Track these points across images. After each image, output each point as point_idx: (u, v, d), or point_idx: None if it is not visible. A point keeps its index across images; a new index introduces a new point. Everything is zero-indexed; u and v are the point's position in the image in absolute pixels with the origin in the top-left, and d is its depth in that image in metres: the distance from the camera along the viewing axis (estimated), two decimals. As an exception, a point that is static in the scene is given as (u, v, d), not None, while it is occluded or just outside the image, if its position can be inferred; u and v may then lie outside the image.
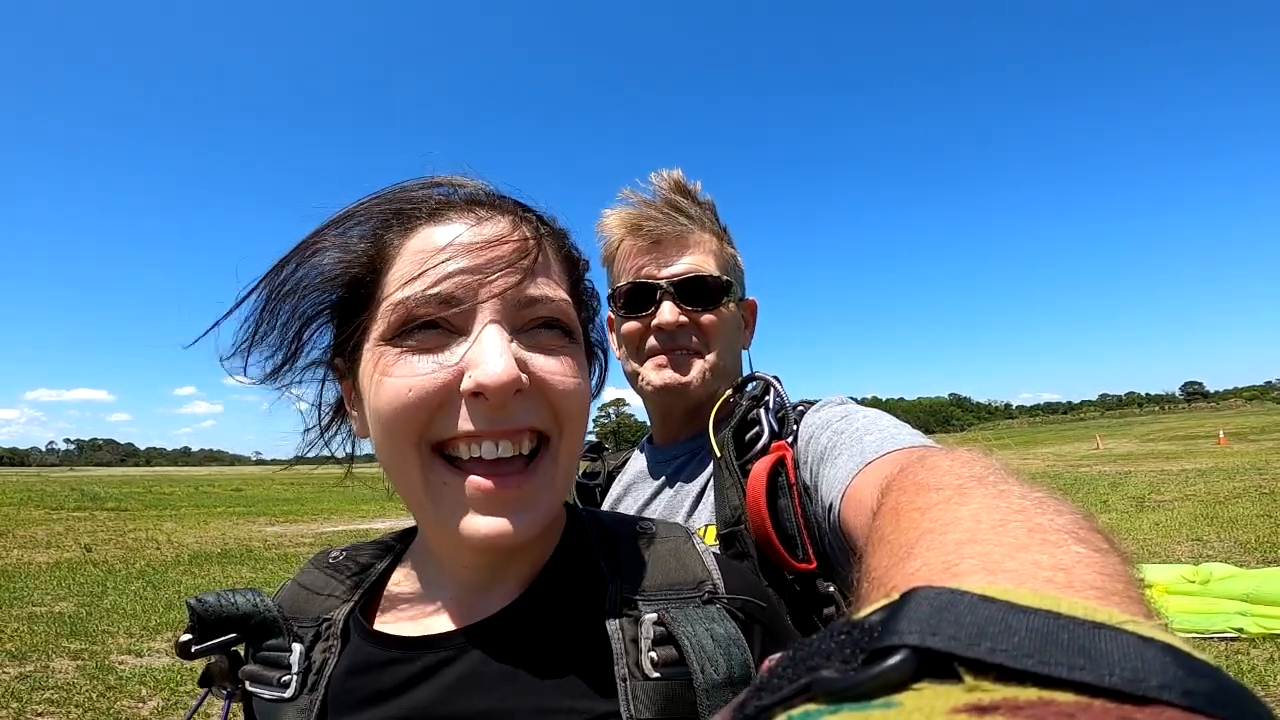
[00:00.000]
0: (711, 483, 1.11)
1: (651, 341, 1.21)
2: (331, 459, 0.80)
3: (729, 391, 1.20)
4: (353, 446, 0.80)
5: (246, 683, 0.70)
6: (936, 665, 0.21)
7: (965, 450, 0.54)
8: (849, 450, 0.90)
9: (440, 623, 0.69)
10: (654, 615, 0.65)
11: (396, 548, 0.80)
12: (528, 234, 0.66)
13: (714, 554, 0.74)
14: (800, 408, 1.11)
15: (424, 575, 0.73)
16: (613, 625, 0.66)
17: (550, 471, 0.65)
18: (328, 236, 0.68)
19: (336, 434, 0.80)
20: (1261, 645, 5.15)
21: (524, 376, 0.61)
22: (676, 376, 1.19)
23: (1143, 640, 0.21)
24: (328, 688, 0.66)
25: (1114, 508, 12.63)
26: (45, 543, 13.83)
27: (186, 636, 0.70)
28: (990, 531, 0.34)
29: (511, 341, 0.62)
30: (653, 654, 0.63)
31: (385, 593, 0.75)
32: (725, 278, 1.20)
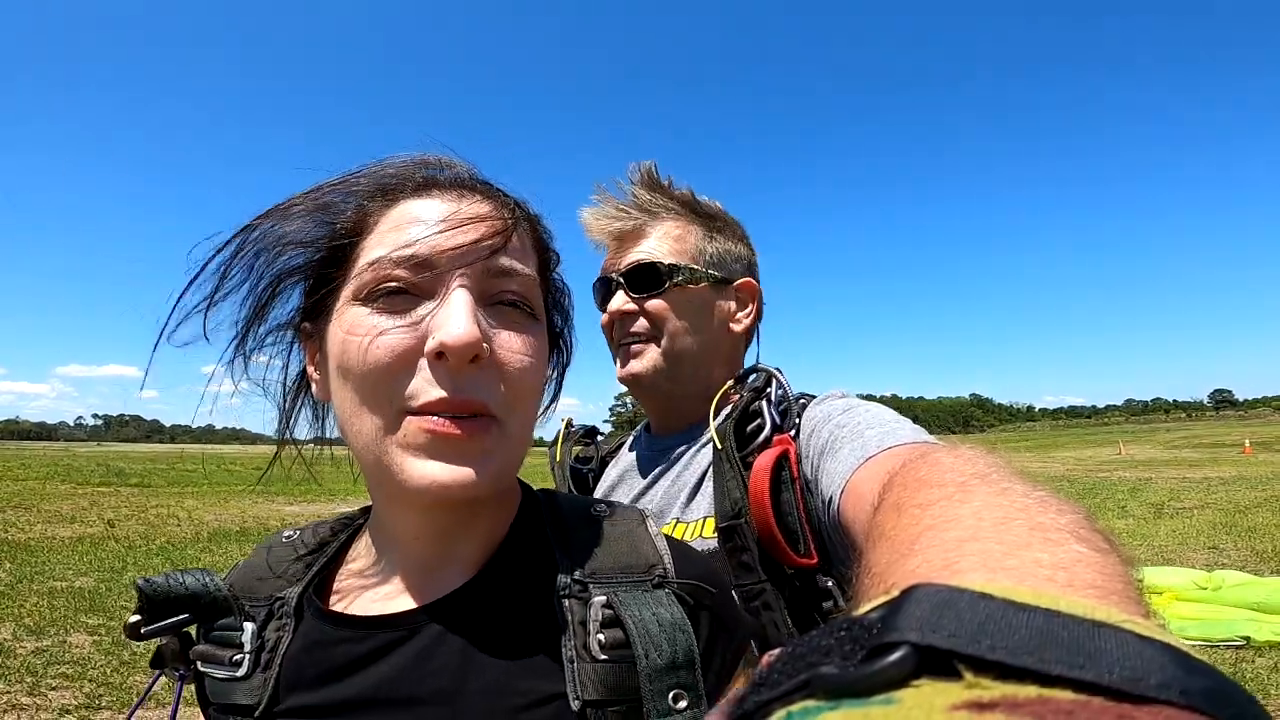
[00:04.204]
0: (710, 474, 1.10)
1: (615, 333, 1.25)
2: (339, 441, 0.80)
3: (730, 382, 1.19)
4: (322, 427, 0.81)
5: (198, 663, 0.70)
6: (936, 662, 0.21)
7: (968, 448, 0.53)
8: (850, 444, 0.89)
9: (394, 602, 0.69)
10: (603, 598, 0.66)
11: (352, 524, 0.81)
12: (505, 214, 0.68)
13: (666, 538, 0.75)
14: (802, 400, 1.10)
15: (378, 553, 0.74)
16: (563, 606, 0.66)
17: (502, 435, 0.66)
18: (311, 199, 0.70)
19: (302, 409, 0.81)
20: (1266, 654, 5.09)
21: (485, 345, 0.62)
22: (629, 369, 1.22)
23: (1141, 639, 0.21)
24: (281, 666, 0.67)
25: (1132, 514, 12.47)
26: (70, 517, 14.11)
27: (135, 618, 0.70)
28: (992, 529, 0.34)
29: (478, 311, 0.64)
30: (600, 636, 0.64)
31: (340, 571, 0.75)
32: (673, 262, 1.19)
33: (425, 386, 0.61)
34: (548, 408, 1.07)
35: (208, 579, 0.71)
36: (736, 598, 0.97)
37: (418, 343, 0.62)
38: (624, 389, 1.28)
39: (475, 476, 0.62)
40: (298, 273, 0.72)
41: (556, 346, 0.82)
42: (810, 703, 0.21)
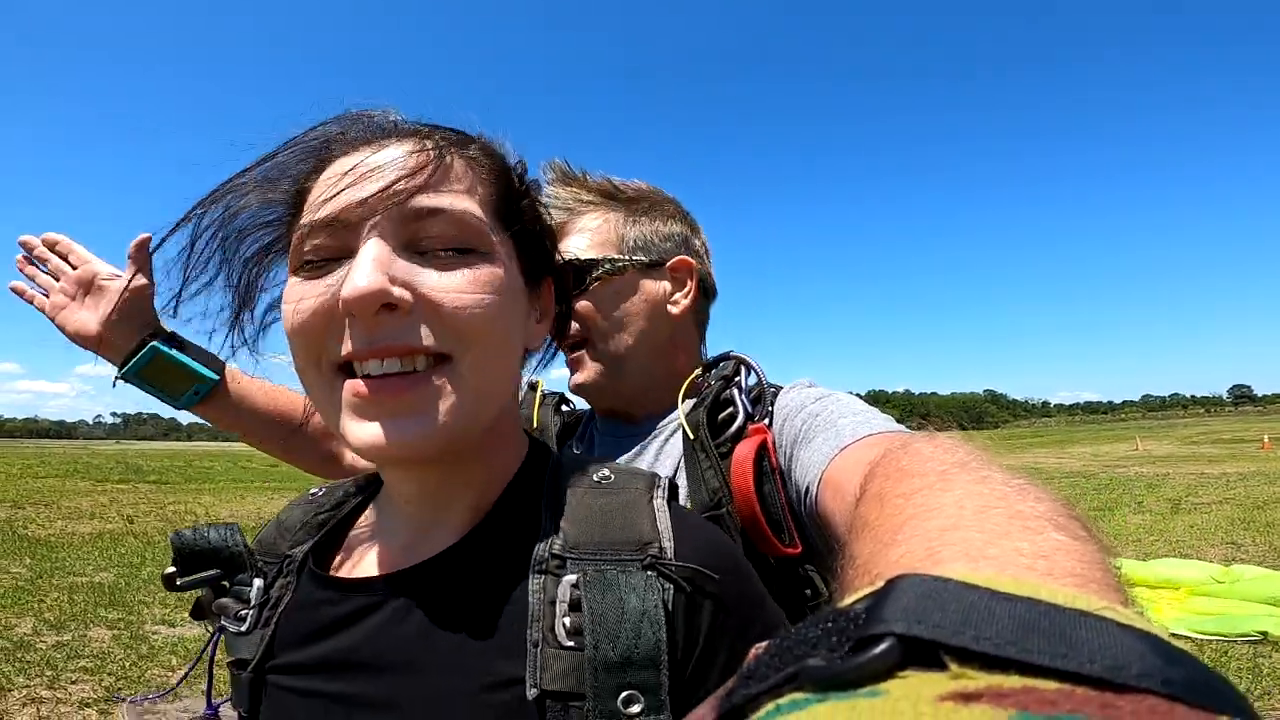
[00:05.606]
0: (682, 465, 1.07)
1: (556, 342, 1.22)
2: None
3: (698, 370, 1.16)
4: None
5: (221, 617, 0.71)
6: (922, 653, 0.21)
7: (945, 437, 0.53)
8: (824, 433, 0.89)
9: (381, 564, 0.68)
10: (574, 576, 0.59)
11: (372, 484, 0.81)
12: (427, 148, 0.64)
13: (675, 511, 0.67)
14: (773, 389, 1.08)
15: (382, 514, 0.73)
16: (534, 583, 0.60)
17: (450, 384, 0.61)
18: (254, 177, 0.70)
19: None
20: (1286, 648, 5.04)
21: (396, 291, 0.58)
22: (575, 380, 1.17)
23: (1121, 628, 0.21)
24: (277, 623, 0.67)
25: (1148, 509, 12.31)
26: (89, 514, 14.23)
27: (170, 570, 0.73)
28: (973, 517, 0.34)
29: (402, 260, 0.61)
30: (566, 620, 0.57)
31: (349, 531, 0.76)
32: (591, 256, 1.14)
33: (346, 344, 0.60)
34: (550, 346, 1.04)
35: (229, 534, 0.74)
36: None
37: (334, 301, 0.59)
38: None
39: (413, 436, 0.59)
40: (265, 252, 0.73)
41: (543, 273, 0.77)
42: (798, 695, 0.21)
